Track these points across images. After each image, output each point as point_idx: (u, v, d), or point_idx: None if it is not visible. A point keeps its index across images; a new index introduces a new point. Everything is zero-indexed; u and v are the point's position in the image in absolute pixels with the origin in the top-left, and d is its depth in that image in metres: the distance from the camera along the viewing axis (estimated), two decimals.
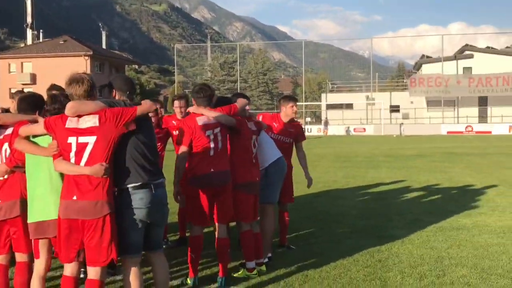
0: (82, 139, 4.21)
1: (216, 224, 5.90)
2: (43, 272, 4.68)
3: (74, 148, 4.23)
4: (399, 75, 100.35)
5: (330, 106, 67.84)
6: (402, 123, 56.23)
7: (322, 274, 6.15)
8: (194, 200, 5.76)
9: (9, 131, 4.84)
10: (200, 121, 5.74)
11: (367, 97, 66.13)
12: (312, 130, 60.13)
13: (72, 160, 4.23)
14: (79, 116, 4.27)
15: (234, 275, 6.10)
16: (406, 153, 26.59)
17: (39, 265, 4.68)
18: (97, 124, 4.22)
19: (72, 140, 4.23)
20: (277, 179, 6.64)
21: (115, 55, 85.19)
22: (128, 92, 4.75)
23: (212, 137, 5.71)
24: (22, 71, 69.83)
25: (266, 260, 6.49)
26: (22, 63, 70.17)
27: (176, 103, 7.37)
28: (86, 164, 4.19)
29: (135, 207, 4.35)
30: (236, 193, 6.01)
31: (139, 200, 4.35)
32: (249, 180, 6.07)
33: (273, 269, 6.32)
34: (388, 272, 6.24)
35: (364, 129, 59.88)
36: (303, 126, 9.07)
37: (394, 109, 65.20)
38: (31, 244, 4.73)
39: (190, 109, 6.06)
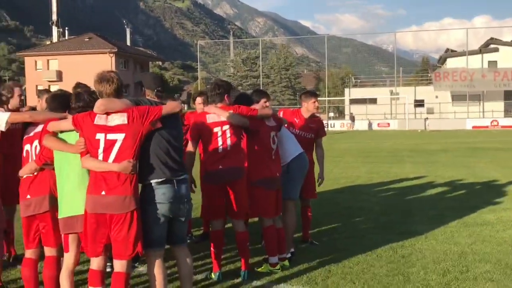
0: (110, 136, 4.32)
1: (233, 219, 5.99)
2: (72, 266, 4.79)
3: (102, 145, 4.34)
4: (423, 69, 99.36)
5: (353, 101, 67.46)
6: (427, 118, 55.72)
7: (345, 270, 6.18)
8: (208, 195, 5.86)
9: (39, 128, 4.96)
10: (209, 118, 5.83)
11: (391, 92, 65.62)
12: (335, 125, 59.88)
13: (100, 156, 4.34)
14: (108, 113, 4.38)
15: (257, 269, 6.16)
16: (431, 148, 26.40)
17: (69, 259, 4.78)
18: (126, 122, 4.33)
19: (100, 136, 4.34)
20: (299, 175, 6.66)
21: (139, 52, 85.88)
22: (156, 90, 4.84)
23: (220, 133, 5.78)
24: (48, 68, 70.70)
25: (289, 255, 6.54)
26: (48, 60, 71.03)
27: (199, 99, 7.46)
28: (114, 160, 4.31)
29: (157, 202, 4.46)
30: (255, 189, 6.05)
31: (161, 195, 4.47)
32: (268, 176, 6.07)
33: (296, 264, 6.36)
34: (411, 268, 6.24)
35: (388, 124, 59.46)
36: (326, 121, 9.06)
37: (419, 103, 64.62)
38: (60, 238, 4.84)
39: (205, 108, 6.14)
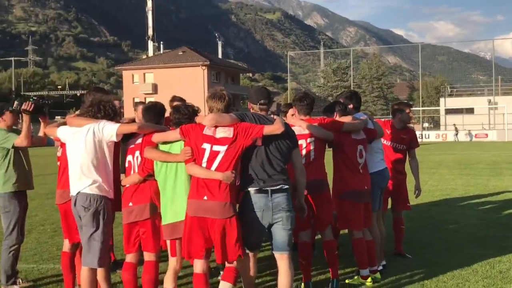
0: (215, 148, 4.68)
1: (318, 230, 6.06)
2: (178, 269, 5.08)
3: (207, 154, 4.69)
4: None
5: (449, 111, 65.42)
6: None
7: (439, 284, 6.02)
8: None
9: (139, 140, 5.22)
10: (295, 130, 5.84)
11: (490, 101, 63.06)
12: (430, 136, 58.15)
13: (204, 164, 4.68)
14: (215, 126, 4.71)
15: (348, 282, 6.13)
16: None
17: (174, 263, 5.07)
18: (230, 136, 4.68)
19: (206, 146, 4.70)
20: (376, 190, 6.42)
21: (230, 64, 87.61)
22: (259, 103, 5.05)
23: (304, 145, 5.81)
24: (144, 81, 73.38)
25: (381, 267, 6.45)
26: (144, 74, 73.77)
27: (291, 111, 7.50)
28: (217, 169, 4.64)
29: (251, 210, 4.75)
30: (342, 202, 6.04)
31: (253, 204, 4.74)
32: (355, 189, 6.01)
33: (388, 276, 6.27)
34: (509, 284, 5.99)
35: (486, 134, 57.07)
36: (420, 132, 8.80)
37: None
38: (159, 244, 5.14)
39: (291, 120, 6.12)
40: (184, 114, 5.05)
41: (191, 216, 4.66)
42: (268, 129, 4.73)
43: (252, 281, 5.16)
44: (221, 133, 4.71)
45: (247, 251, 4.93)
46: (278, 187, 4.79)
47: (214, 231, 4.61)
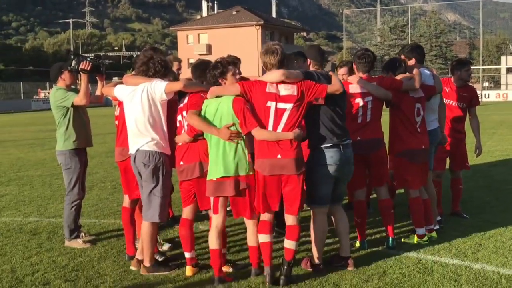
0: (280, 105, 4.76)
1: (375, 187, 6.09)
2: (221, 227, 5.06)
3: (272, 113, 4.77)
4: None
5: (510, 70, 63.06)
6: None
7: (497, 244, 5.92)
8: None
9: (186, 100, 5.22)
10: (352, 88, 5.79)
11: None
12: (490, 95, 56.28)
13: (270, 123, 4.78)
14: (278, 83, 4.77)
15: (404, 240, 6.10)
16: None
17: (217, 220, 5.05)
18: (295, 93, 4.76)
19: (271, 104, 4.77)
20: (430, 148, 6.23)
21: (284, 24, 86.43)
22: (320, 63, 5.31)
23: (362, 104, 5.75)
24: (198, 42, 73.32)
25: (437, 227, 6.38)
26: (198, 34, 73.64)
27: (343, 70, 7.32)
28: (284, 128, 4.76)
29: (327, 164, 4.98)
30: (399, 161, 5.99)
31: (330, 158, 4.98)
32: (410, 147, 5.93)
33: (445, 236, 6.21)
34: None
35: None
36: (480, 92, 8.50)
37: None
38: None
39: (349, 78, 6.03)
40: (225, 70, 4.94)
41: (266, 176, 4.79)
42: (331, 89, 4.86)
43: (324, 238, 5.27)
44: (284, 90, 4.76)
45: (317, 206, 5.09)
46: (346, 142, 5.02)
47: (289, 186, 4.79)
